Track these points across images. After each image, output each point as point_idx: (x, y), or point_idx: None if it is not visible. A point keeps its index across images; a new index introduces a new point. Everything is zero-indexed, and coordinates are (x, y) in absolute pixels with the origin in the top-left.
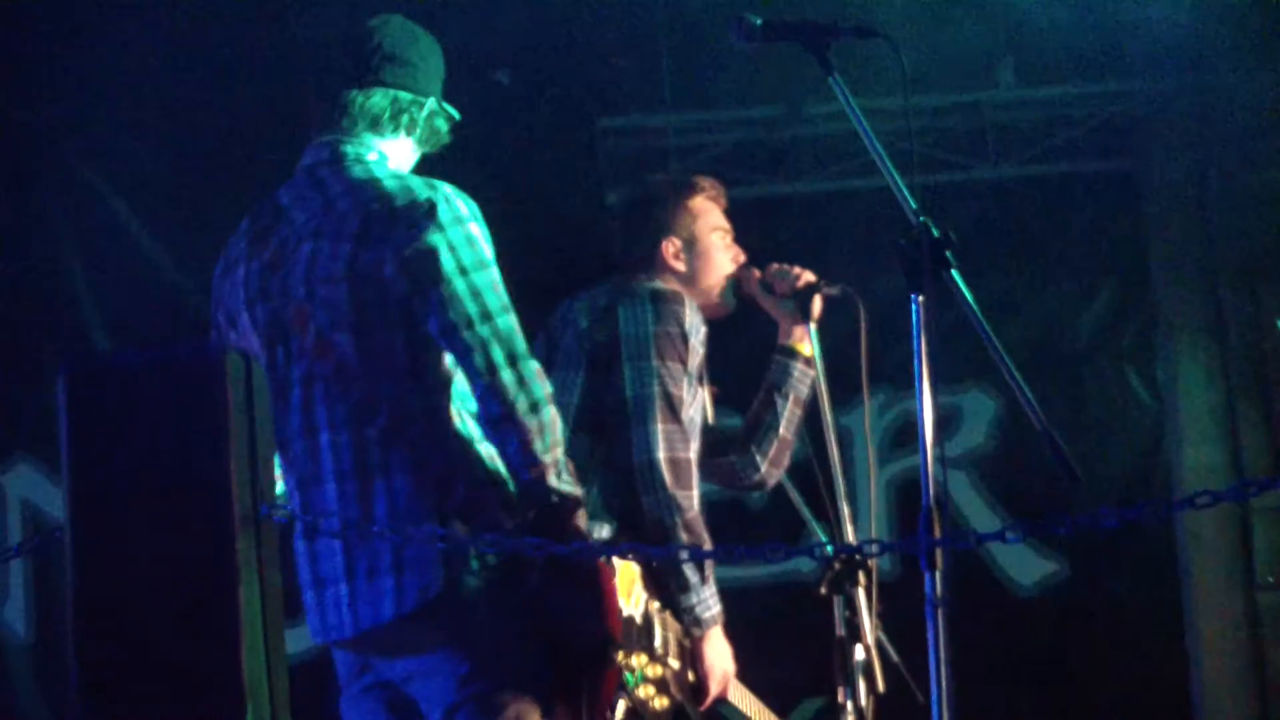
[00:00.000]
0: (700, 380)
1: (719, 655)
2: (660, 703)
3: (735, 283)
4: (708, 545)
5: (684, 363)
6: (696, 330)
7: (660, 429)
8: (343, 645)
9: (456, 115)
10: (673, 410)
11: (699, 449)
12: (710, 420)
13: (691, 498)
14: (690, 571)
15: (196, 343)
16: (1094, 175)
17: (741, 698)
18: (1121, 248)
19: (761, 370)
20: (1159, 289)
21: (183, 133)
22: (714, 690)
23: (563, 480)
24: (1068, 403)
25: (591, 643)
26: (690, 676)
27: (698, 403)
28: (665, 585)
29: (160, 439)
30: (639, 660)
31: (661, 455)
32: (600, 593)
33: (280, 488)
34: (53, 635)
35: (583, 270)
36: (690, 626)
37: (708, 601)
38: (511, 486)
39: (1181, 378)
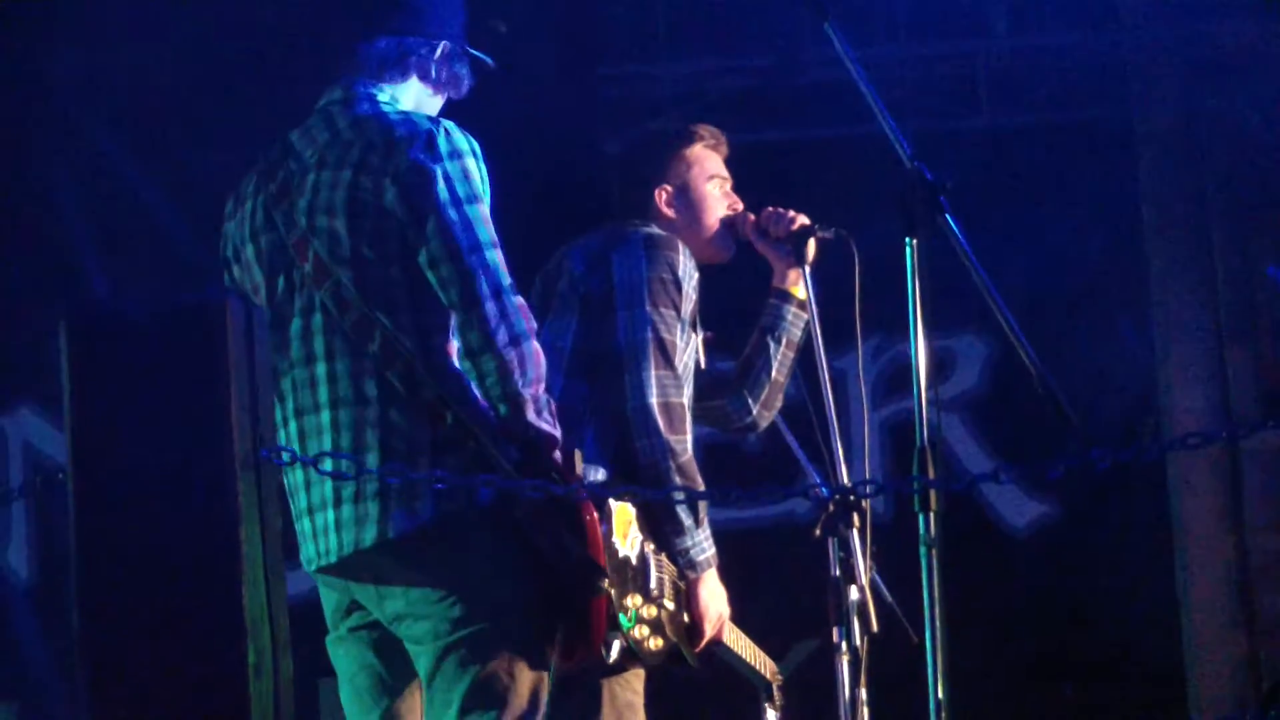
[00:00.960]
0: (694, 326)
1: (713, 597)
2: (655, 643)
3: (732, 228)
4: (701, 489)
5: (677, 309)
6: (690, 276)
7: (654, 375)
8: (329, 572)
9: (487, 60)
10: (666, 356)
11: (692, 394)
12: (703, 365)
13: (685, 442)
14: (684, 514)
15: (197, 289)
16: (1086, 123)
17: (736, 639)
18: (1113, 195)
19: (755, 315)
20: (1150, 236)
21: (184, 79)
22: (708, 632)
23: (542, 419)
24: (1061, 348)
25: (578, 573)
26: (685, 618)
27: (691, 348)
28: (660, 529)
29: (161, 384)
30: (634, 601)
31: (654, 400)
32: (583, 524)
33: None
34: (55, 577)
35: (580, 218)
36: (685, 569)
37: (702, 544)
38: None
39: (1172, 324)
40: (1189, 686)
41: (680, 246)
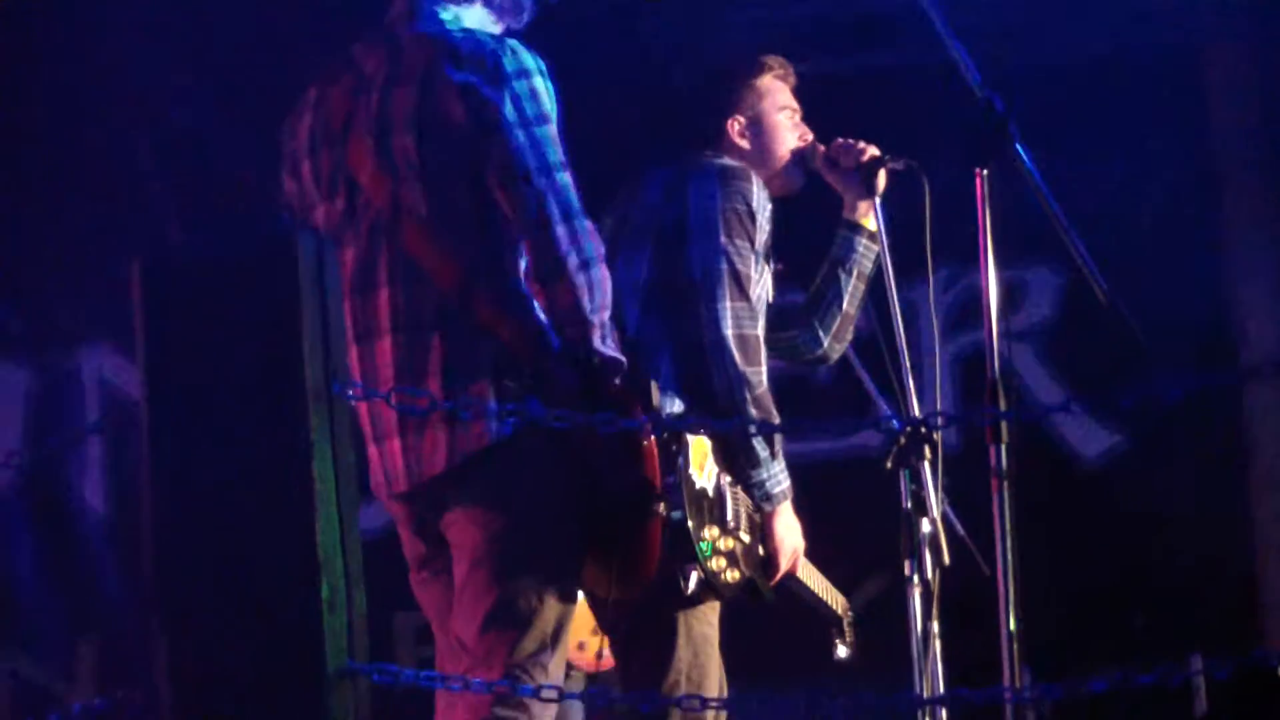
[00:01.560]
0: (767, 258)
1: (789, 531)
2: (731, 575)
3: (802, 160)
4: (776, 421)
5: (751, 240)
6: (764, 208)
7: (729, 306)
8: (399, 498)
9: None
10: (741, 288)
11: (764, 326)
12: (771, 299)
13: (760, 374)
14: (760, 446)
15: (267, 222)
16: (1158, 50)
17: (810, 575)
18: (1186, 126)
19: (826, 248)
20: (1222, 164)
21: (249, 16)
22: (784, 565)
23: (606, 344)
24: (1133, 277)
25: (632, 493)
26: (760, 551)
27: (765, 280)
28: (735, 461)
29: (232, 319)
30: (711, 533)
31: (730, 332)
32: (639, 445)
33: None
34: (132, 513)
35: (649, 146)
36: (761, 501)
37: (778, 477)
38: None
39: (1244, 252)
40: (1263, 617)
41: (754, 178)
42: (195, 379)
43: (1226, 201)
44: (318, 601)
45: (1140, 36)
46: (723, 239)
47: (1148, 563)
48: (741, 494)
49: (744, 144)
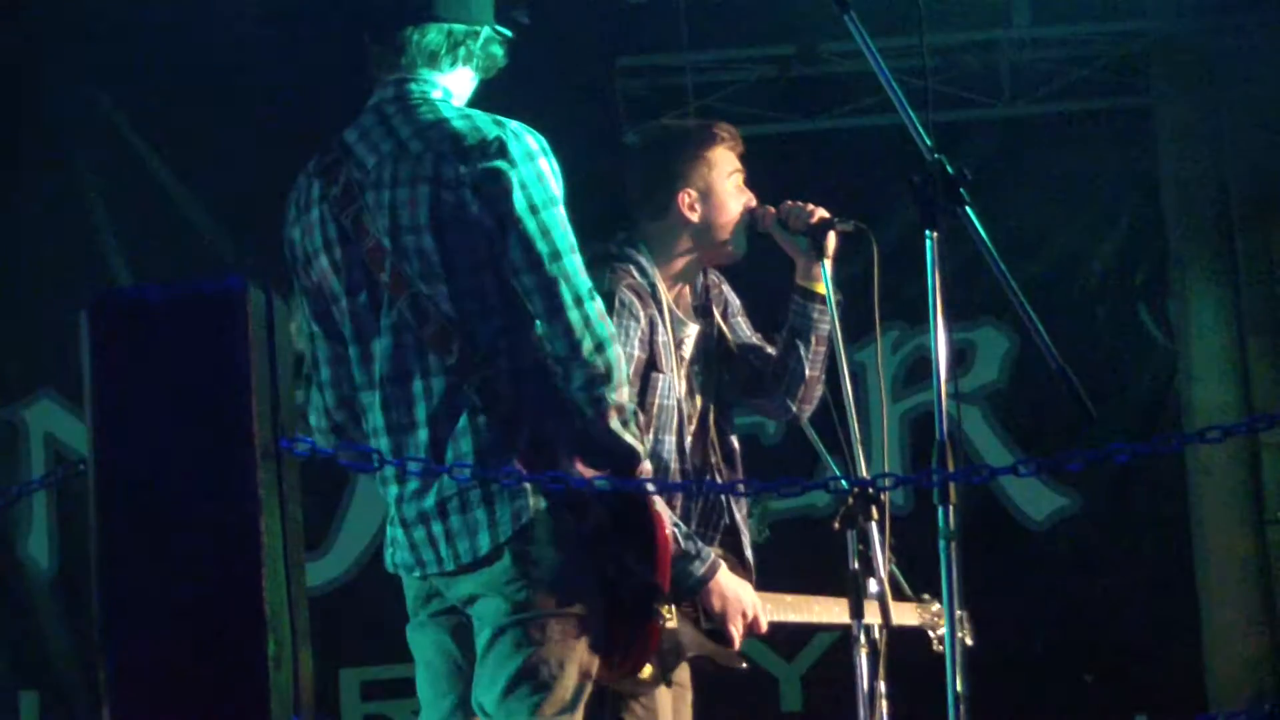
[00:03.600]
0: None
1: (726, 600)
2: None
3: (750, 224)
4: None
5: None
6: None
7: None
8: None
9: (509, 33)
10: None
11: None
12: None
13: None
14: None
15: (218, 278)
16: (1108, 113)
17: (785, 609)
18: (1135, 185)
19: (776, 307)
20: (1172, 227)
21: (205, 68)
22: (735, 632)
23: (628, 430)
24: (1080, 339)
25: (640, 590)
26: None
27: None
28: None
29: (182, 373)
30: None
31: None
32: (654, 545)
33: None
34: (76, 567)
35: (599, 209)
36: (691, 595)
37: (697, 560)
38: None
39: (1193, 315)
40: (1208, 679)
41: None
42: (143, 431)
43: (1174, 262)
44: (264, 658)
45: (1093, 98)
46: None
47: (1094, 624)
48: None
49: (693, 216)
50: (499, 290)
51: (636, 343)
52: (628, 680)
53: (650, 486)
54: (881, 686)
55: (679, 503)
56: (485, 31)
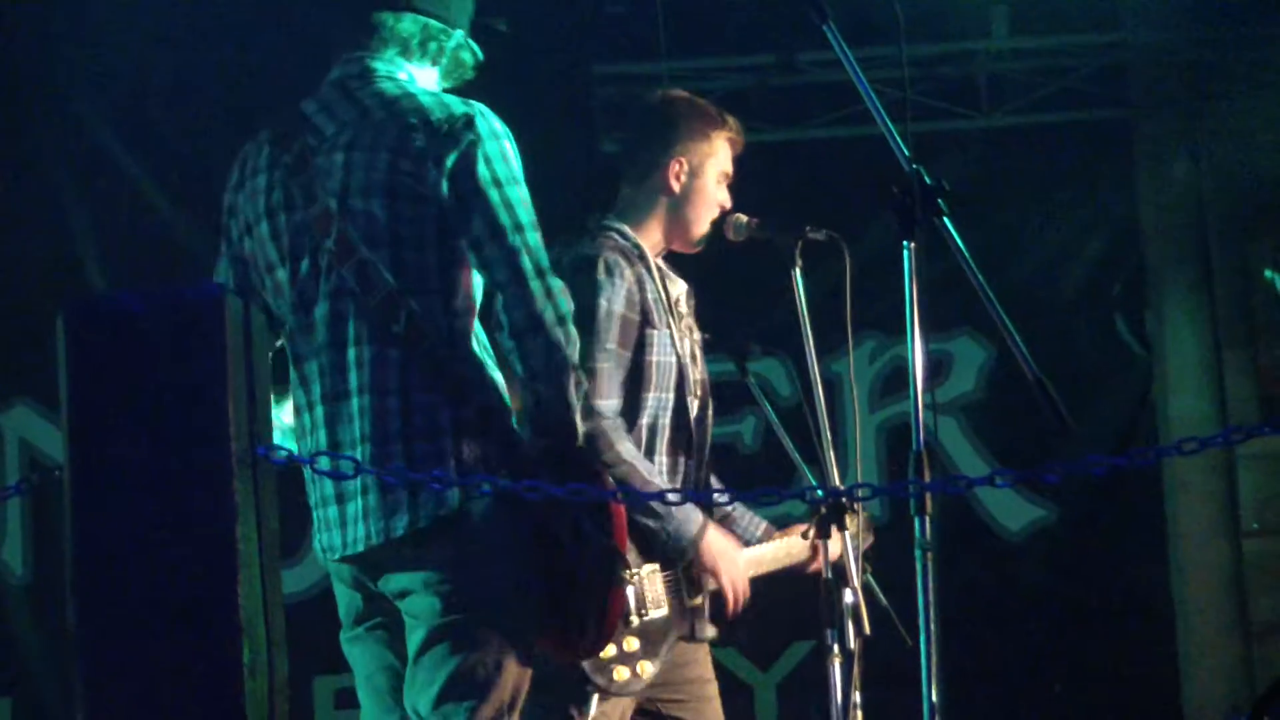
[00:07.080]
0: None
1: (720, 559)
2: (620, 675)
3: (718, 223)
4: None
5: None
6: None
7: None
8: (351, 561)
9: (480, 55)
10: None
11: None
12: (698, 371)
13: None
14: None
15: (195, 284)
16: (1086, 125)
17: (763, 562)
18: (1112, 198)
19: (751, 317)
20: (1149, 239)
21: (181, 70)
22: (731, 596)
23: (581, 392)
24: (1057, 351)
25: (598, 562)
26: (698, 600)
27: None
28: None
29: (158, 380)
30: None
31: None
32: (608, 511)
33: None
34: (50, 574)
35: (575, 215)
36: (676, 555)
37: (682, 519)
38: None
39: (1170, 327)
40: (1183, 689)
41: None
42: (119, 438)
43: (1151, 274)
44: (239, 666)
45: (1071, 110)
46: None
47: (1070, 635)
48: (645, 574)
49: (675, 186)
50: (440, 272)
51: (623, 299)
52: (611, 672)
53: (620, 495)
54: (856, 696)
55: (676, 465)
56: (458, 35)
